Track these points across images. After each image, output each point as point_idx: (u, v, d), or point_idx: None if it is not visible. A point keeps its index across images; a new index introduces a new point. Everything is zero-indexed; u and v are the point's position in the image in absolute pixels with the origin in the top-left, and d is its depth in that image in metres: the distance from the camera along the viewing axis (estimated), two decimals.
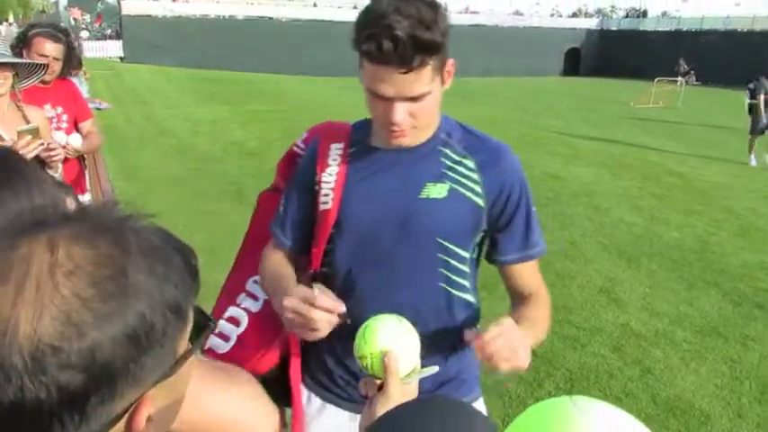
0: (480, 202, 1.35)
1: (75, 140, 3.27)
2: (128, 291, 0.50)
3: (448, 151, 1.37)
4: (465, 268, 1.41)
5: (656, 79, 26.99)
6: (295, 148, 1.59)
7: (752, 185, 9.61)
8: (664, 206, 7.85)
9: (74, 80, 4.17)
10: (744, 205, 8.21)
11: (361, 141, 1.41)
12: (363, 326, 1.04)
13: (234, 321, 1.52)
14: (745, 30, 46.38)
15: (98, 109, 11.92)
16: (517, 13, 52.73)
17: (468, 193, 1.35)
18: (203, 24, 38.90)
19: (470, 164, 1.36)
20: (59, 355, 0.46)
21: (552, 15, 55.80)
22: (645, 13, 60.49)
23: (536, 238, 1.43)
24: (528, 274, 1.46)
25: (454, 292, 1.41)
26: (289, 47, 38.70)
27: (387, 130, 1.28)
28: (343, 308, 1.19)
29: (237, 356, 1.45)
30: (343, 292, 1.37)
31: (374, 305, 1.30)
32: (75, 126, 3.54)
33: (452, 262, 1.38)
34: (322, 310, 1.17)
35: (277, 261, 1.48)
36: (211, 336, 1.48)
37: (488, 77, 37.75)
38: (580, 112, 19.13)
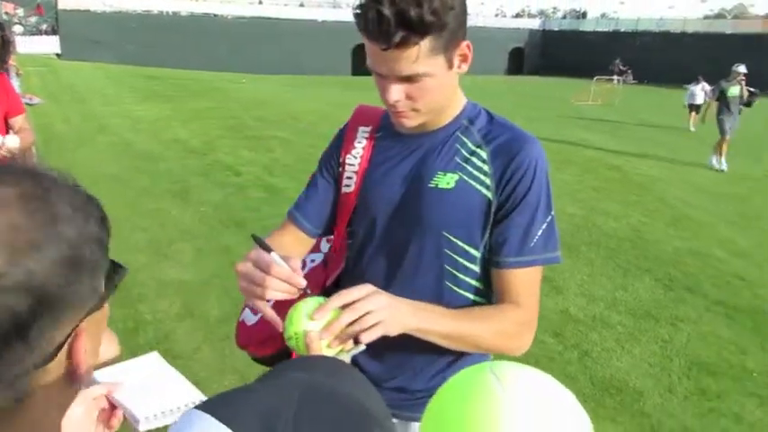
0: (489, 195, 1.25)
1: (12, 141, 3.12)
2: (57, 220, 0.53)
3: (465, 139, 1.29)
4: (474, 267, 1.30)
5: (594, 77, 27.89)
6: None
7: (683, 177, 10.06)
8: (602, 198, 8.14)
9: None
10: (675, 196, 8.60)
11: (388, 126, 1.36)
12: (292, 307, 1.06)
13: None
14: (678, 31, 48.32)
15: (29, 104, 11.49)
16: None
17: (478, 186, 1.25)
18: (145, 20, 37.98)
19: (484, 154, 1.26)
20: (2, 281, 0.48)
21: (497, 15, 56.83)
22: (584, 14, 62.25)
23: (538, 243, 1.25)
24: (518, 284, 1.26)
25: (461, 292, 1.32)
26: (233, 44, 38.18)
27: (389, 109, 1.24)
28: (302, 282, 1.07)
29: (262, 331, 1.44)
30: (352, 279, 1.34)
31: None
32: (4, 121, 3.40)
33: (459, 259, 1.29)
34: (277, 279, 1.07)
35: (272, 241, 1.38)
36: (246, 308, 1.51)
37: None
38: (524, 109, 19.55)
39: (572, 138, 13.84)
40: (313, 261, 1.55)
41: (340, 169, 1.40)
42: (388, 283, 1.30)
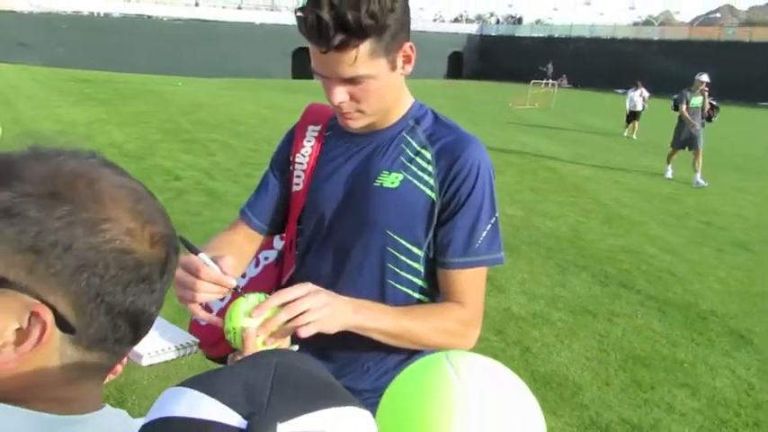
0: (433, 195, 1.26)
1: None
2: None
3: (410, 139, 1.30)
4: (417, 266, 1.31)
5: (531, 82, 28.63)
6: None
7: (616, 178, 10.46)
8: (540, 199, 8.37)
9: None
10: (609, 196, 8.93)
11: (338, 125, 1.35)
12: (232, 303, 1.07)
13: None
14: (608, 37, 50.17)
15: None
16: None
17: (422, 186, 1.26)
18: (76, 22, 36.65)
19: (428, 155, 1.27)
20: None
21: (435, 20, 57.59)
22: (520, 20, 63.88)
23: (483, 246, 1.26)
24: (463, 285, 1.28)
25: (404, 289, 1.32)
26: (169, 47, 37.31)
27: (336, 112, 1.25)
28: (232, 282, 1.07)
29: (214, 333, 1.37)
30: (300, 276, 1.35)
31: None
32: None
33: (402, 258, 1.30)
34: (207, 282, 1.06)
35: (221, 240, 1.41)
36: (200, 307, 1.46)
37: None
38: (464, 113, 19.86)
39: (511, 141, 14.17)
40: (267, 259, 1.55)
41: (290, 168, 1.41)
42: (333, 281, 1.30)
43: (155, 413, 0.49)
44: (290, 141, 1.43)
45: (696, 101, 10.22)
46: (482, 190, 1.25)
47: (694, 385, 3.73)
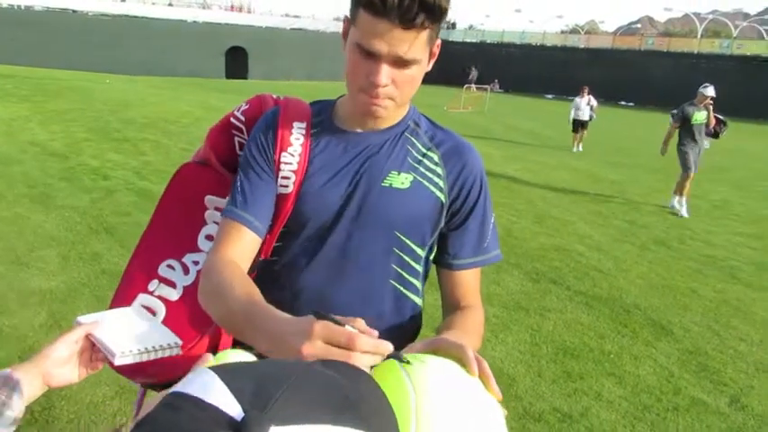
0: (442, 197, 1.27)
1: None
2: None
3: (415, 140, 1.29)
4: (418, 267, 1.32)
5: (464, 86, 29.22)
6: (232, 119, 1.42)
7: (547, 180, 10.81)
8: None
9: None
10: (540, 196, 9.24)
11: (325, 122, 1.30)
12: None
13: (148, 311, 1.34)
14: (538, 44, 51.72)
15: None
16: (339, 18, 53.67)
17: (432, 187, 1.26)
18: None
19: (435, 157, 1.28)
20: None
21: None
22: (454, 25, 64.80)
23: (492, 244, 1.33)
24: (473, 283, 1.34)
25: (405, 292, 1.33)
26: (96, 43, 35.91)
27: (364, 95, 1.15)
28: (387, 346, 0.83)
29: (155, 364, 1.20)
30: (288, 287, 1.29)
31: (320, 302, 1.26)
32: None
33: (407, 259, 1.30)
34: (364, 354, 0.82)
35: (239, 272, 1.17)
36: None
37: (313, 81, 38.17)
38: None
39: None
40: (196, 264, 1.40)
41: (275, 168, 1.28)
42: (333, 287, 1.27)
43: (177, 387, 0.50)
44: (273, 138, 1.28)
45: (700, 116, 8.95)
46: (486, 193, 1.32)
47: (620, 374, 3.92)
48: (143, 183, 7.67)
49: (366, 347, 0.82)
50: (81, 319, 1.02)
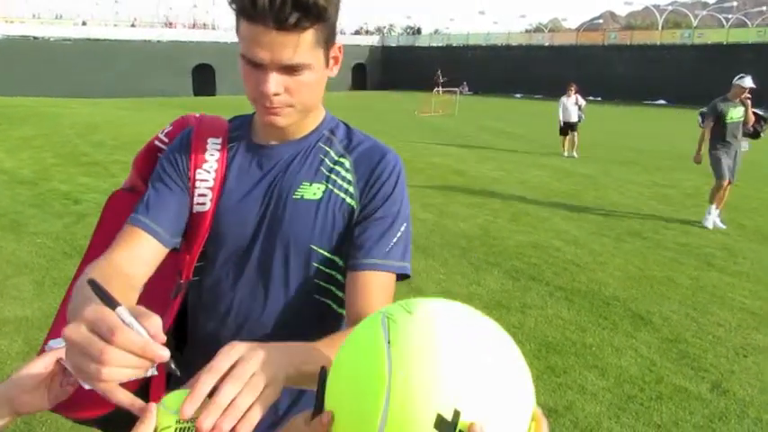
0: (353, 203, 1.21)
1: None
2: None
3: (329, 149, 1.25)
4: (340, 278, 1.24)
5: (434, 90, 29.43)
6: (157, 142, 1.39)
7: (521, 178, 10.91)
8: (450, 202, 8.60)
9: None
10: (515, 195, 9.31)
11: (241, 137, 1.27)
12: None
13: None
14: (503, 44, 52.26)
15: None
16: None
17: (342, 194, 1.21)
18: None
19: (347, 163, 1.23)
20: None
21: (337, 33, 57.82)
22: (419, 31, 65.27)
23: (395, 251, 1.19)
24: (375, 293, 1.15)
25: (333, 306, 1.27)
26: (60, 68, 35.51)
27: (260, 106, 1.12)
28: (164, 355, 0.71)
29: (80, 393, 0.94)
30: (213, 308, 1.26)
31: (247, 325, 1.23)
32: None
33: (329, 272, 1.24)
34: (125, 351, 0.69)
35: (111, 272, 1.05)
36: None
37: None
38: (371, 123, 20.14)
39: (419, 147, 14.47)
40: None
41: (189, 184, 1.24)
42: (255, 305, 1.23)
43: None
44: (187, 155, 1.25)
45: (735, 113, 7.59)
46: (399, 197, 1.22)
47: (602, 366, 3.96)
48: None
49: (126, 344, 0.68)
50: (52, 343, 0.99)
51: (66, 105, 23.66)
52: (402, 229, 1.21)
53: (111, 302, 0.73)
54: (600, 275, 5.71)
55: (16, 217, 6.83)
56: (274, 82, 1.06)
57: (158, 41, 42.11)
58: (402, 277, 1.20)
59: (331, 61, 1.15)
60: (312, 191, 1.21)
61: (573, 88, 14.05)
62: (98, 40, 39.82)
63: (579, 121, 14.05)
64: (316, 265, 1.22)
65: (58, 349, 0.96)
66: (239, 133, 1.28)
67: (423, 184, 9.74)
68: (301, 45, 1.03)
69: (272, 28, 1.00)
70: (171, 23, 48.59)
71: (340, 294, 1.26)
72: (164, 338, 0.72)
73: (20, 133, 14.13)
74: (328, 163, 1.23)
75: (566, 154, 14.05)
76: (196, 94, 39.16)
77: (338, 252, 1.23)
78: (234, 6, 1.03)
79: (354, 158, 1.24)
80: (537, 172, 11.66)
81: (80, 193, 8.13)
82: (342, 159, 1.24)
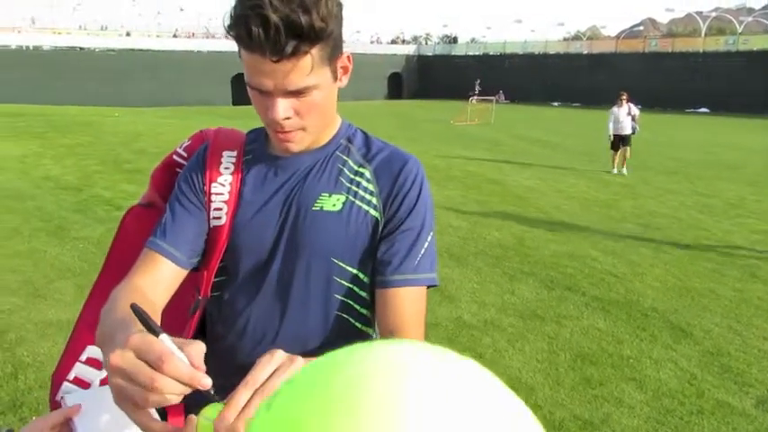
0: (377, 215, 1.16)
1: None
2: None
3: (347, 159, 1.20)
4: (365, 294, 1.19)
5: (469, 99, 29.35)
6: (175, 157, 1.37)
7: (557, 187, 10.78)
8: (485, 210, 8.54)
9: None
10: (551, 204, 9.20)
11: (257, 149, 1.23)
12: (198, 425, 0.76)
13: (94, 363, 1.26)
14: (540, 53, 51.83)
15: None
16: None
17: (365, 206, 1.16)
18: (3, 55, 35.43)
19: (367, 173, 1.18)
20: None
21: (372, 42, 58.20)
22: (455, 39, 65.22)
23: (424, 263, 1.15)
24: (408, 309, 1.13)
25: (355, 324, 1.20)
26: (104, 78, 36.52)
27: (272, 132, 1.11)
28: (207, 382, 0.73)
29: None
30: (231, 324, 1.23)
31: (266, 340, 1.19)
32: None
33: (351, 287, 1.18)
34: (173, 380, 0.72)
35: (136, 297, 1.02)
36: (65, 383, 1.26)
37: None
38: (405, 131, 20.17)
39: (454, 156, 14.43)
40: None
41: (205, 199, 1.22)
42: (274, 322, 1.19)
43: None
44: (202, 169, 1.23)
45: None
46: (423, 206, 1.17)
47: (640, 379, 3.87)
48: None
49: (175, 373, 0.71)
50: (67, 398, 0.98)
51: (109, 114, 24.33)
52: (429, 239, 1.17)
53: (154, 329, 0.76)
54: (638, 286, 5.59)
55: (60, 222, 7.04)
56: (282, 107, 1.04)
57: (199, 51, 43.01)
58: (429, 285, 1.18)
59: (339, 71, 1.10)
60: (332, 202, 1.16)
61: (624, 97, 12.75)
62: (141, 50, 40.88)
63: (633, 132, 12.63)
64: (337, 279, 1.17)
65: (68, 409, 0.95)
66: (256, 145, 1.25)
67: (457, 192, 9.70)
68: (304, 69, 1.00)
69: (272, 59, 0.97)
70: (211, 34, 49.56)
71: (363, 311, 1.20)
72: (204, 367, 0.74)
73: (65, 141, 14.58)
74: (348, 173, 1.18)
75: (615, 171, 12.56)
76: (235, 103, 39.76)
77: (362, 266, 1.18)
78: (231, 34, 1.00)
79: (375, 168, 1.19)
80: (574, 181, 11.51)
81: (122, 200, 8.32)
82: (362, 169, 1.19)
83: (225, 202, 1.20)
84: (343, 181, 1.17)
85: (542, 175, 12.04)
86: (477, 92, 36.67)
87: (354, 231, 1.15)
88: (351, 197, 1.16)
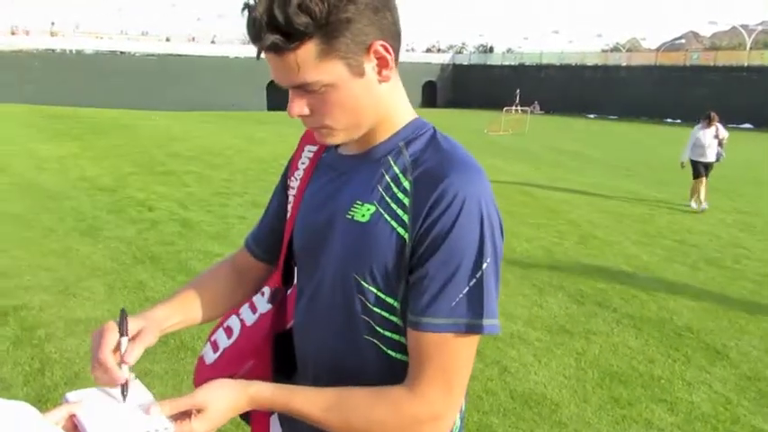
0: (405, 234, 0.98)
1: None
2: None
3: (393, 163, 1.04)
4: (395, 320, 1.03)
5: (504, 109, 29.16)
6: None
7: (590, 199, 10.59)
8: (515, 221, 8.42)
9: None
10: (583, 217, 9.03)
11: (335, 147, 1.16)
12: None
13: (228, 332, 1.31)
14: (577, 64, 51.27)
15: None
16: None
17: (393, 221, 0.99)
18: (47, 59, 36.46)
19: (406, 183, 1.01)
20: None
21: (408, 51, 58.29)
22: (491, 49, 64.98)
23: (462, 303, 0.95)
24: (428, 355, 0.97)
25: (390, 352, 1.05)
26: (142, 82, 37.31)
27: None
28: (119, 378, 0.98)
29: (218, 371, 1.24)
30: (295, 328, 1.22)
31: (302, 345, 1.19)
32: None
33: (376, 310, 1.03)
34: (100, 365, 0.99)
35: (210, 271, 1.32)
36: (208, 342, 1.35)
37: None
38: None
39: (487, 166, 13.91)
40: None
41: (287, 192, 1.25)
42: (310, 335, 1.15)
43: None
44: (289, 163, 1.27)
45: None
46: (465, 232, 0.95)
47: (672, 401, 3.74)
48: (186, 213, 7.82)
49: (103, 362, 0.99)
50: (69, 395, 0.98)
51: (147, 117, 24.82)
52: (477, 275, 0.95)
53: (121, 330, 1.03)
54: (672, 305, 5.42)
55: (94, 222, 7.16)
56: (295, 104, 0.99)
57: (236, 57, 43.59)
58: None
59: (370, 66, 0.97)
60: (362, 212, 1.02)
61: (713, 117, 10.39)
62: (180, 55, 41.64)
63: (718, 160, 10.38)
64: (361, 298, 1.03)
65: (71, 404, 0.95)
66: None
67: None
68: (301, 64, 0.92)
69: (268, 53, 0.94)
70: (248, 41, 50.18)
71: (396, 338, 1.05)
72: (130, 361, 1.00)
73: (103, 143, 14.91)
74: (387, 180, 1.03)
75: (693, 204, 10.24)
76: (270, 108, 40.23)
77: (389, 291, 1.02)
78: None
79: (416, 177, 1.00)
80: (608, 194, 11.29)
81: (154, 201, 8.44)
82: (403, 178, 1.02)
83: (294, 196, 1.21)
84: (380, 188, 1.03)
85: (575, 187, 11.85)
86: (517, 102, 36.39)
87: (378, 247, 1.00)
88: (381, 208, 1.01)
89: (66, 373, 3.61)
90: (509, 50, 66.38)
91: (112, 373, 0.97)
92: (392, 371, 1.03)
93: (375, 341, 1.05)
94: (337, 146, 1.14)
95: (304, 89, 0.97)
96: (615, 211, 9.68)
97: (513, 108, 30.36)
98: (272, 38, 0.90)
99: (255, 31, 0.91)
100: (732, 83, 41.45)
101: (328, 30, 0.90)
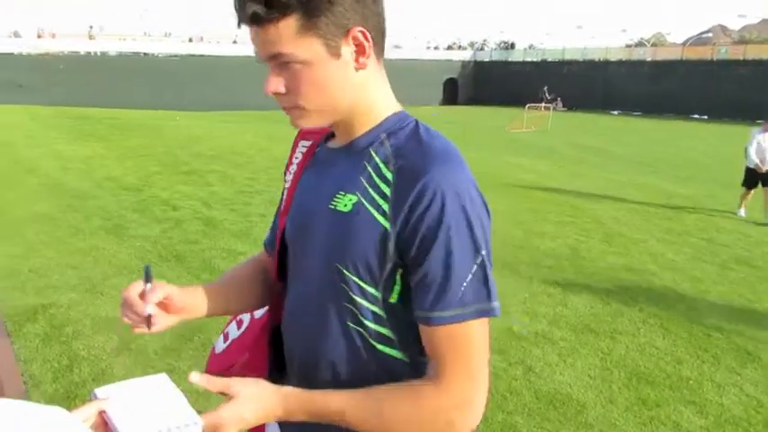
0: (386, 225, 1.00)
1: None
2: None
3: (374, 154, 1.06)
4: (377, 310, 1.05)
5: (526, 106, 28.90)
6: None
7: (615, 196, 10.45)
8: (539, 219, 8.35)
9: None
10: (608, 215, 8.91)
11: (326, 140, 1.21)
12: None
13: (239, 324, 1.41)
14: (601, 59, 50.62)
15: None
16: (396, 46, 54.45)
17: (374, 211, 1.01)
18: (72, 61, 36.98)
19: (388, 174, 1.02)
20: None
21: (429, 48, 58.08)
22: (513, 45, 64.50)
23: (468, 293, 0.97)
24: (445, 348, 0.99)
25: (375, 343, 1.07)
26: (165, 82, 37.67)
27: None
28: (144, 311, 1.12)
29: (225, 360, 1.35)
30: (284, 322, 1.25)
31: (291, 338, 1.21)
32: None
33: (359, 300, 1.05)
34: (130, 299, 1.13)
35: (234, 269, 1.38)
36: (221, 333, 1.45)
37: None
38: (460, 137, 19.98)
39: (509, 163, 14.21)
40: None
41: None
42: (297, 322, 1.17)
43: None
44: (288, 156, 1.31)
45: None
46: (455, 223, 0.96)
47: (701, 403, 3.67)
48: (210, 212, 7.88)
49: (129, 301, 1.14)
50: (98, 391, 0.98)
51: (170, 117, 25.07)
52: (477, 262, 0.98)
53: (147, 278, 1.15)
54: (700, 304, 5.33)
55: (119, 221, 7.24)
56: (272, 81, 1.02)
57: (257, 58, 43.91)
58: None
59: (348, 50, 1.00)
60: (344, 202, 1.05)
61: None
62: (202, 56, 41.96)
63: None
64: (344, 287, 1.05)
65: (100, 400, 0.95)
66: (329, 135, 1.21)
67: (512, 200, 9.52)
68: (282, 36, 0.96)
69: (248, 24, 0.98)
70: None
71: (386, 333, 1.07)
72: (153, 300, 1.14)
73: (128, 143, 15.08)
74: (369, 170, 1.05)
75: (742, 212, 9.38)
76: None
77: (371, 280, 1.03)
78: None
79: (397, 168, 1.02)
80: (633, 191, 11.13)
81: (178, 200, 8.52)
82: (383, 168, 1.03)
83: (287, 189, 1.25)
84: (362, 179, 1.04)
85: (600, 185, 11.70)
86: (549, 98, 35.97)
87: (360, 237, 1.02)
88: (363, 198, 1.03)
89: (94, 370, 3.67)
90: (531, 47, 65.80)
91: (137, 308, 1.10)
92: (378, 363, 1.08)
93: (359, 329, 1.07)
94: (327, 140, 1.20)
95: (279, 60, 0.99)
96: (640, 209, 9.54)
97: (543, 105, 30.05)
98: (254, 7, 0.94)
99: (239, 1, 0.96)
100: (762, 77, 40.55)
101: (310, 7, 0.94)
